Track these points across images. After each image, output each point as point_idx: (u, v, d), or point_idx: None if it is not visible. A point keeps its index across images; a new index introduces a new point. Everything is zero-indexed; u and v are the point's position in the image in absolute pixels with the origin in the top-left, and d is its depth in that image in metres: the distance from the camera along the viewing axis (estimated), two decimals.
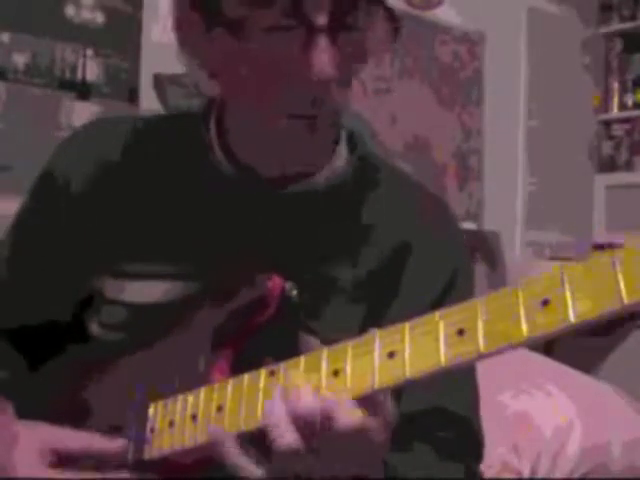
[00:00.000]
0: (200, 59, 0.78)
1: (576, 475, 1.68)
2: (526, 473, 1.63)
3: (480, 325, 0.55)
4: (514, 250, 3.26)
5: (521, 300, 0.53)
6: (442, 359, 0.56)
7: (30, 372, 0.92)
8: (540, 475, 1.64)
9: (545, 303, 0.52)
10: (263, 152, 0.81)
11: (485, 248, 2.91)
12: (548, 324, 0.51)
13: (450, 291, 0.83)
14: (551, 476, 1.65)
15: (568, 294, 0.51)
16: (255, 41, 0.71)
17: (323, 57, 0.69)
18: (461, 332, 0.55)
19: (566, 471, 1.67)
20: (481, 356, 0.55)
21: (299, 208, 0.83)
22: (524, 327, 0.52)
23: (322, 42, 0.69)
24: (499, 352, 0.54)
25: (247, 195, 0.82)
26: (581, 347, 3.14)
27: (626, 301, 0.48)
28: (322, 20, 0.69)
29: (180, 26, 0.78)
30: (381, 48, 0.76)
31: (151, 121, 0.92)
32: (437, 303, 0.81)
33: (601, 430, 1.75)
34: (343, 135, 0.86)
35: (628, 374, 2.93)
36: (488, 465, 0.87)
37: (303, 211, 0.83)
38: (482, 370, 0.91)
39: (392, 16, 0.73)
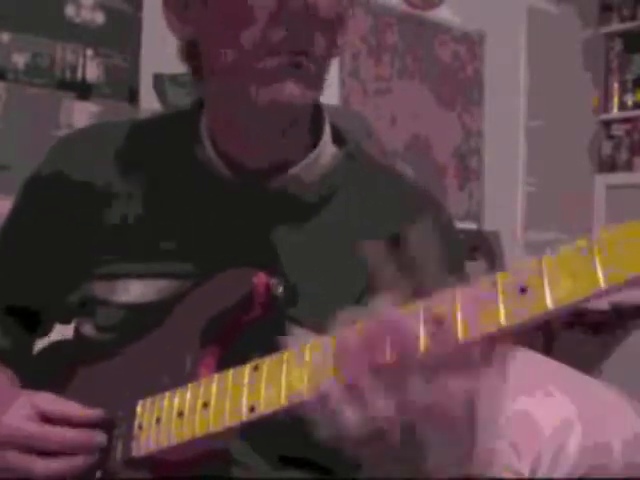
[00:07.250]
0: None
1: (576, 475, 1.67)
2: (526, 473, 1.62)
3: (459, 315, 0.55)
4: (514, 250, 3.26)
5: (499, 288, 0.53)
6: (421, 349, 0.56)
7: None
8: (540, 475, 1.63)
9: (523, 291, 0.52)
10: (244, 139, 0.81)
11: (485, 248, 2.90)
12: (526, 311, 0.52)
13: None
14: (551, 476, 1.64)
15: (545, 281, 0.51)
16: None
17: None
18: (439, 322, 0.55)
19: (566, 471, 1.66)
20: (460, 346, 0.55)
21: (285, 203, 0.83)
22: (502, 315, 0.53)
23: None
24: (478, 342, 0.54)
25: (234, 190, 0.83)
26: (581, 347, 3.14)
27: (603, 286, 0.48)
28: None
29: None
30: None
31: (144, 122, 0.92)
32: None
33: (601, 430, 1.74)
34: (327, 129, 0.86)
35: (628, 374, 2.92)
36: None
37: (289, 206, 0.83)
38: None
39: None
